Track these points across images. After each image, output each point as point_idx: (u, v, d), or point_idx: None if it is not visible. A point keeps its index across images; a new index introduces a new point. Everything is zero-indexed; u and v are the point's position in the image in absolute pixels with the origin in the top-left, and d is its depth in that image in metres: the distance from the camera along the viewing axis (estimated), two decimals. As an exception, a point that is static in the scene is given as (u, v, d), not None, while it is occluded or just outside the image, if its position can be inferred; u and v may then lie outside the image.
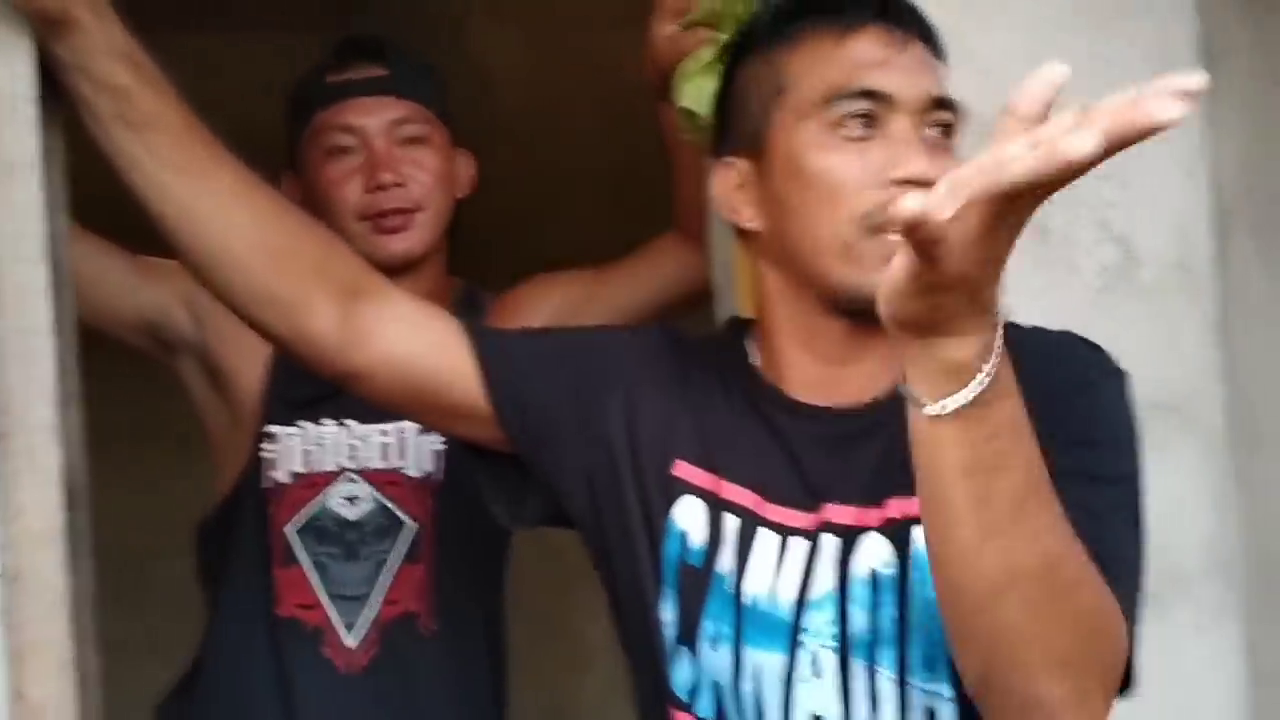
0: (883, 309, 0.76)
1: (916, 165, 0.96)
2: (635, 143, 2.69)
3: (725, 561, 0.99)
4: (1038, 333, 1.03)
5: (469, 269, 1.70)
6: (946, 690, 0.94)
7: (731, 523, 0.99)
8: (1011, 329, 0.98)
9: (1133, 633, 0.89)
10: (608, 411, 1.04)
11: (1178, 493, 1.92)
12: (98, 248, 1.49)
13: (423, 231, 1.53)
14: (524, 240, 2.71)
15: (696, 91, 1.25)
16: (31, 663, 0.89)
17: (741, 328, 1.09)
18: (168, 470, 2.44)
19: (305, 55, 2.91)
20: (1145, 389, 1.93)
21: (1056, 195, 2.07)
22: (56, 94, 1.00)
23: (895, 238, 0.85)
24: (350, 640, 1.51)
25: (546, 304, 1.58)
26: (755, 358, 1.05)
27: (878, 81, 0.99)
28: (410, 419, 1.19)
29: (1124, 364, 1.96)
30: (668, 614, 1.00)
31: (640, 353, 1.08)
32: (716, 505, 1.00)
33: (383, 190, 1.51)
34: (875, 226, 0.96)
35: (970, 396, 0.75)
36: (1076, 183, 2.06)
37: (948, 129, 1.02)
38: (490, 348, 1.07)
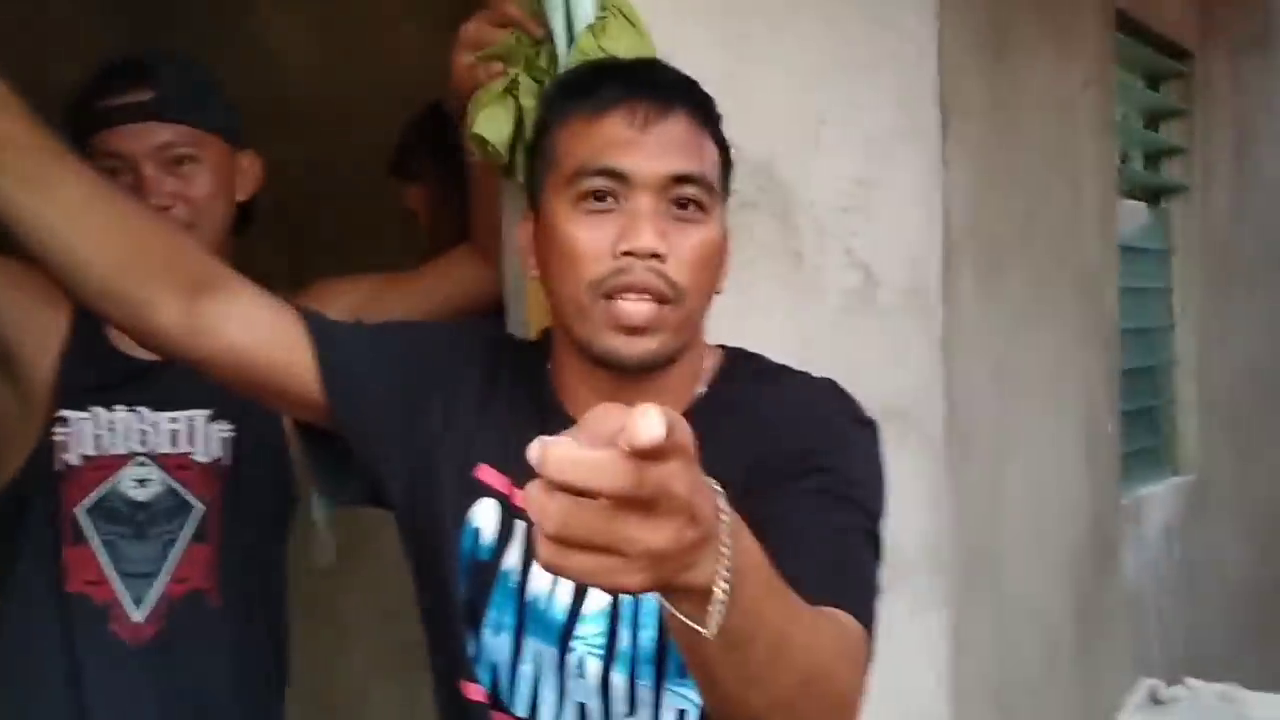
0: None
1: (641, 240, 1.05)
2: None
3: (511, 559, 1.10)
4: (801, 381, 1.16)
5: (251, 254, 1.72)
6: (696, 697, 1.06)
7: (520, 526, 1.10)
8: (777, 377, 1.13)
9: (871, 634, 0.98)
10: (429, 410, 1.14)
11: (901, 491, 2.10)
12: None
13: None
14: (304, 226, 2.73)
15: (488, 120, 1.34)
16: None
17: (549, 341, 1.19)
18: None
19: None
20: (878, 398, 2.16)
21: (808, 225, 2.27)
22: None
23: (621, 302, 1.01)
24: (137, 616, 1.54)
25: (334, 308, 1.58)
26: (551, 374, 1.16)
27: (616, 161, 1.07)
28: (253, 400, 1.24)
29: (861, 376, 2.18)
30: (460, 598, 1.11)
31: (463, 354, 1.18)
32: (509, 509, 1.11)
33: None
34: (603, 292, 1.06)
35: (717, 618, 0.73)
36: (826, 214, 2.27)
37: (693, 202, 1.09)
38: (328, 342, 1.16)
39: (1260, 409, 3.68)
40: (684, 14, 1.60)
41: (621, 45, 1.34)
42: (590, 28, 1.33)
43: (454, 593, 1.11)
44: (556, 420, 1.13)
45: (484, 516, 1.12)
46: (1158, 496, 3.12)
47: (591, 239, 1.07)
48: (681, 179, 1.09)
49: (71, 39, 2.71)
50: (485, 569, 1.11)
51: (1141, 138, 3.20)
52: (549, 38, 1.35)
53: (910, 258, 2.04)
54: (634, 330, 1.07)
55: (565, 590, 1.09)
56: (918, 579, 2.09)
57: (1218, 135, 3.37)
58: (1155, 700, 2.87)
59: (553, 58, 1.35)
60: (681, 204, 1.09)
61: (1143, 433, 3.14)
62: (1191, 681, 2.92)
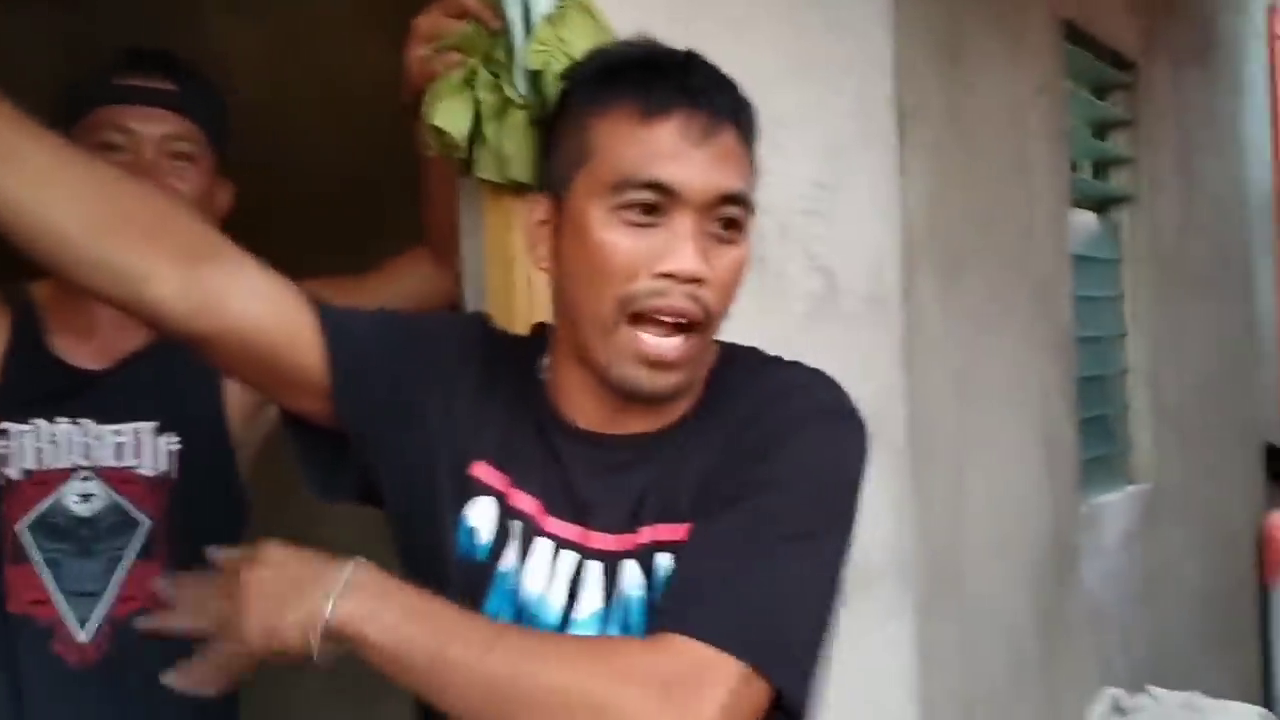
0: None
1: (683, 262, 1.00)
2: (365, 141, 2.71)
3: (509, 560, 1.05)
4: (784, 370, 1.09)
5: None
6: None
7: (516, 527, 1.06)
8: (763, 369, 1.08)
9: (726, 647, 0.93)
10: (428, 403, 1.08)
11: (866, 500, 2.10)
12: None
13: None
14: (250, 233, 2.67)
15: (446, 111, 1.30)
16: None
17: (543, 338, 1.13)
18: None
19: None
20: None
21: (772, 228, 2.24)
22: None
23: (647, 334, 0.97)
24: (82, 636, 1.49)
25: None
26: (546, 374, 1.10)
27: (667, 174, 1.00)
28: (249, 386, 1.19)
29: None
30: (456, 599, 1.04)
31: (461, 349, 1.12)
32: (506, 508, 1.06)
33: None
34: (631, 311, 1.01)
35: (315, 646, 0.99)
36: (787, 217, 2.25)
37: (735, 222, 1.04)
38: (335, 326, 1.09)
39: (1211, 417, 3.70)
40: (643, 11, 1.57)
41: (581, 37, 1.30)
42: (548, 18, 1.30)
43: (450, 594, 1.05)
44: (553, 427, 1.08)
45: (480, 515, 1.07)
46: (1116, 505, 3.12)
47: (629, 252, 1.01)
48: (728, 198, 1.03)
49: (24, 39, 2.66)
50: (481, 570, 1.06)
51: (1090, 147, 3.22)
52: (506, 29, 1.31)
53: (871, 262, 2.02)
54: (658, 365, 1.02)
55: (558, 593, 1.05)
56: (882, 587, 2.06)
57: (1162, 145, 3.40)
58: (1119, 709, 2.86)
59: (510, 49, 1.31)
60: (723, 223, 1.03)
61: (1098, 441, 3.14)
62: (1155, 690, 2.91)
